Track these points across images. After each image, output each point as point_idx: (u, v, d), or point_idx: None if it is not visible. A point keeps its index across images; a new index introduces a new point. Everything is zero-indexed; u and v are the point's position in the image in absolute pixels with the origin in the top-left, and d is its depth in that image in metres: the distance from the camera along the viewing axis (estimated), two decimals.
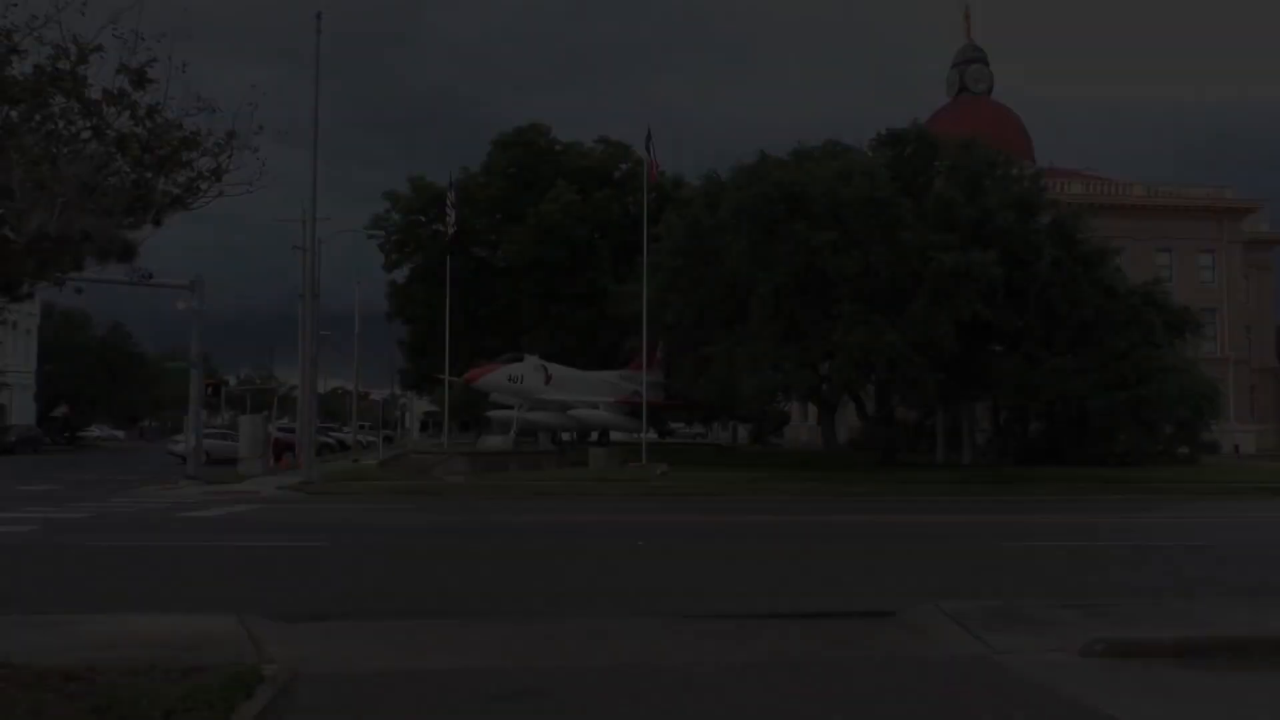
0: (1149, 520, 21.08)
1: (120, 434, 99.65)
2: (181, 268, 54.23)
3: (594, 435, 47.02)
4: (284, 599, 10.07)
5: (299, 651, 7.57)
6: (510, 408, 41.59)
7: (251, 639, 7.93)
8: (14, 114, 5.67)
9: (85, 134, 5.97)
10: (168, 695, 6.00)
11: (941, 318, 31.72)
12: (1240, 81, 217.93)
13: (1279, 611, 9.16)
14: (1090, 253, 37.96)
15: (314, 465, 30.18)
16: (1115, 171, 72.31)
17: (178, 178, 6.22)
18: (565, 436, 50.94)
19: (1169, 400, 36.11)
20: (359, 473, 33.47)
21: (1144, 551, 15.12)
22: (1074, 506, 24.46)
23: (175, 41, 5.94)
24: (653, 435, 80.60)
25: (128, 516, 19.82)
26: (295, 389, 66.36)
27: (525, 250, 49.66)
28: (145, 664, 6.79)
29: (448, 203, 42.47)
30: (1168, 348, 39.06)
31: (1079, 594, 10.64)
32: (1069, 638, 7.96)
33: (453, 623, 9.02)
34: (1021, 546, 15.54)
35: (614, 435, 48.67)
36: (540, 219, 48.91)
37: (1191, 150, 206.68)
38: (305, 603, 9.88)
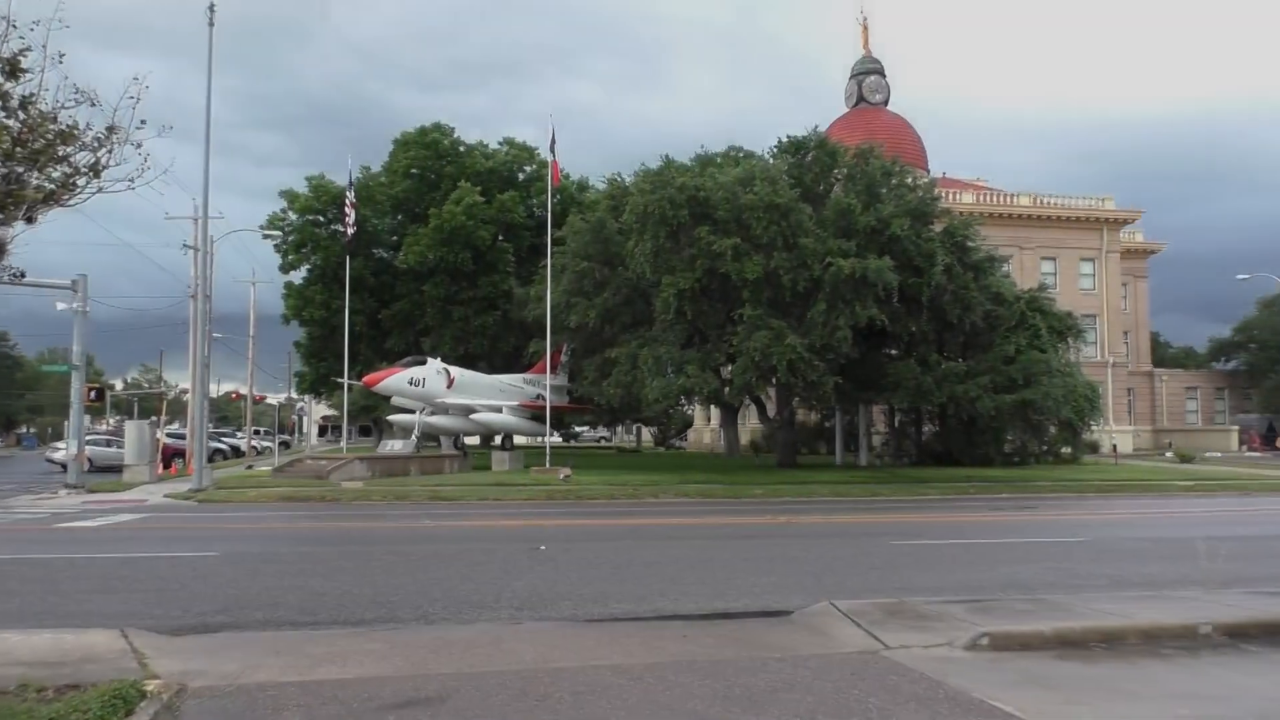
0: (1033, 518, 21.96)
1: None
2: (64, 266, 51.91)
3: (497, 439, 46.65)
4: (170, 611, 9.71)
5: (185, 665, 7.31)
6: (412, 411, 40.96)
7: (134, 653, 7.63)
8: None
9: None
10: (40, 715, 5.73)
11: (840, 322, 32.44)
12: (1124, 98, 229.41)
13: (1147, 603, 9.64)
14: (980, 260, 39.34)
15: (205, 472, 29.20)
16: (1005, 181, 75.14)
17: (52, 173, 5.94)
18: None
19: (1053, 403, 37.65)
20: (253, 479, 32.46)
21: (1028, 548, 15.73)
22: (964, 505, 25.34)
23: (52, 30, 5.68)
24: (557, 438, 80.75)
25: (0, 528, 18.82)
26: (186, 393, 64.06)
27: (428, 252, 49.01)
28: (16, 682, 6.47)
29: (347, 203, 41.61)
30: (1052, 352, 40.76)
31: (967, 590, 11.02)
32: (957, 632, 8.23)
33: (347, 631, 8.82)
34: (914, 545, 16.01)
35: (518, 439, 48.32)
36: (443, 220, 48.34)
37: (1079, 161, 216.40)
38: (192, 615, 9.54)
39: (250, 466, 42.30)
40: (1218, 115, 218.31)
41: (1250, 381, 75.37)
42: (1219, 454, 58.21)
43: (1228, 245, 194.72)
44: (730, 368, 35.83)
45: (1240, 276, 45.47)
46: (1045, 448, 44.23)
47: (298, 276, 54.94)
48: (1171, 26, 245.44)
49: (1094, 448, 52.31)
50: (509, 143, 56.62)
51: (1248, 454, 61.25)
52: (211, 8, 27.80)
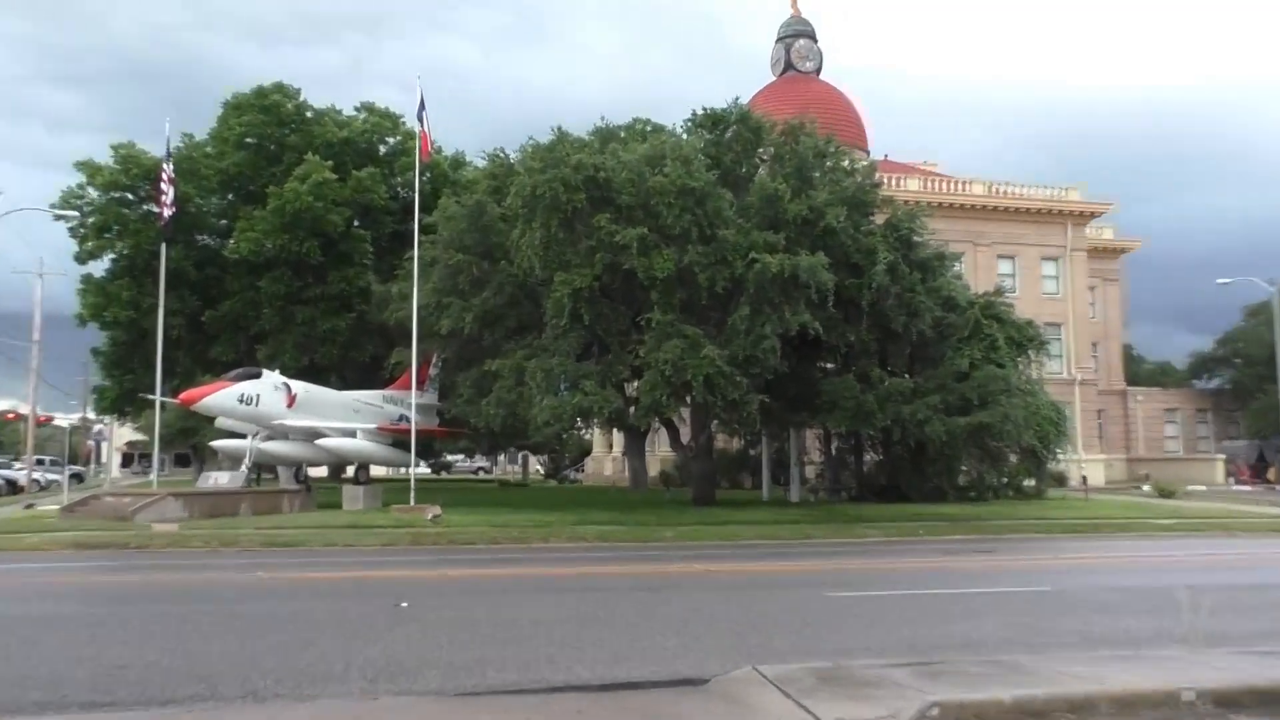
0: (991, 564, 22.52)
1: None
2: None
3: (350, 470, 45.91)
4: None
5: None
6: (243, 436, 40.06)
7: None
8: None
9: None
10: None
11: (766, 330, 32.83)
12: (1090, 79, 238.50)
13: (1122, 664, 9.91)
14: (928, 258, 40.32)
15: None
16: (957, 168, 77.31)
17: None
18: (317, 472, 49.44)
19: (1014, 426, 38.52)
20: (33, 522, 31.19)
21: (984, 599, 16.09)
22: (911, 549, 25.85)
23: None
24: (424, 469, 79.80)
25: None
26: None
27: (265, 239, 48.10)
28: None
29: (163, 177, 40.44)
30: (1011, 367, 41.90)
31: (914, 650, 11.19)
32: (902, 702, 8.32)
33: (154, 714, 8.50)
34: (853, 596, 16.23)
35: (375, 470, 47.71)
36: (285, 201, 47.50)
37: (1040, 148, 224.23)
38: None
39: (31, 505, 40.66)
40: (1195, 102, 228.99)
41: (1236, 402, 78.42)
42: (1203, 487, 60.58)
43: (1209, 245, 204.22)
44: (636, 384, 35.94)
45: (1221, 280, 47.59)
46: (1005, 480, 45.46)
47: (99, 268, 53.46)
48: (1148, 4, 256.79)
49: (1060, 480, 54.07)
50: (367, 109, 56.06)
51: (1235, 487, 63.78)
52: None
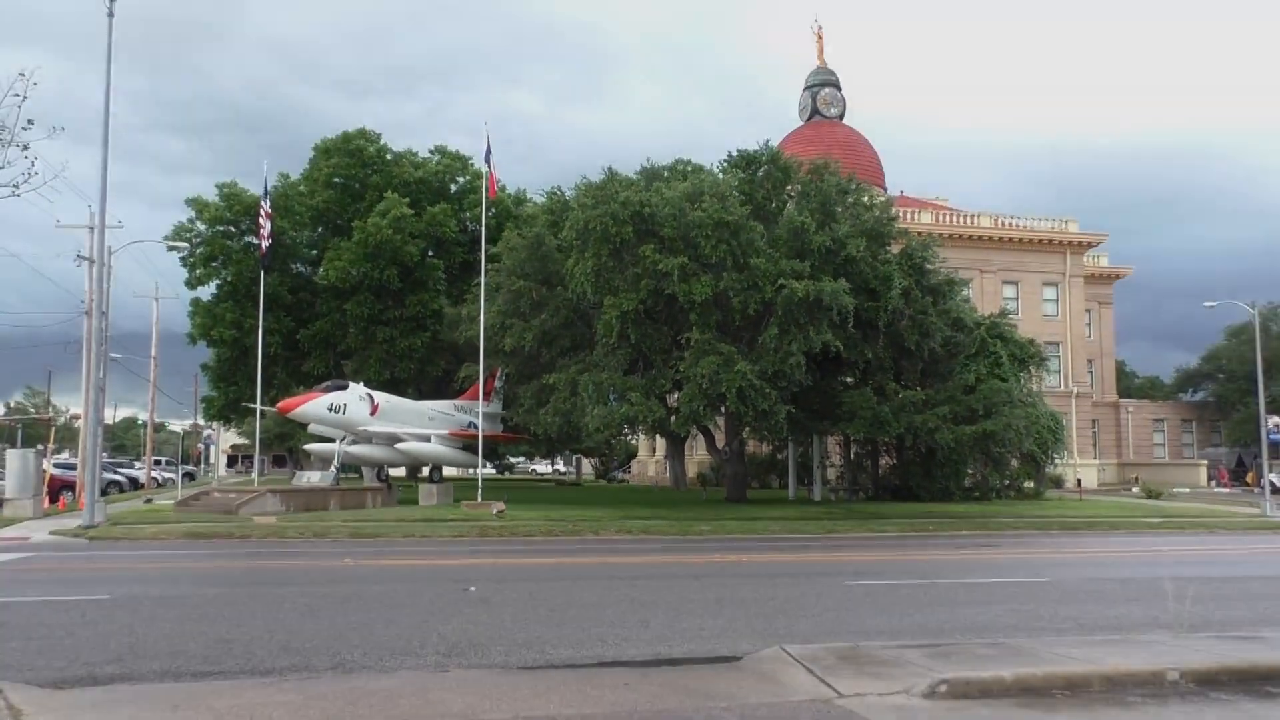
0: (995, 556, 22.28)
1: None
2: None
3: (425, 470, 46.17)
4: (53, 662, 9.37)
5: None
6: (331, 440, 40.41)
7: (9, 709, 7.36)
8: None
9: None
10: None
11: (792, 348, 32.70)
12: (1085, 123, 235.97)
13: (1113, 647, 9.80)
14: (939, 283, 39.94)
15: (98, 506, 28.39)
16: (965, 203, 76.76)
17: None
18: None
19: (1015, 434, 38.19)
20: (152, 514, 31.69)
21: (989, 588, 15.94)
22: (922, 543, 25.62)
23: None
24: (490, 470, 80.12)
25: None
26: (78, 419, 62.46)
27: (350, 267, 48.57)
28: None
29: (261, 212, 41.03)
30: (1014, 381, 41.48)
31: (925, 633, 11.12)
32: (914, 679, 8.29)
33: (256, 682, 8.60)
34: (871, 585, 16.12)
35: (447, 470, 47.90)
36: (368, 234, 47.95)
37: (1042, 185, 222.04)
38: (79, 665, 9.23)
39: (150, 500, 41.30)
40: (1184, 145, 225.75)
41: (1219, 413, 77.31)
42: (1187, 489, 59.68)
43: (1194, 272, 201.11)
44: (676, 395, 35.91)
45: (1208, 304, 46.57)
46: (1007, 482, 44.99)
47: (206, 293, 54.17)
48: (1133, 54, 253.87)
49: (1057, 482, 53.34)
50: (440, 151, 56.44)
51: (1216, 490, 62.84)
52: None
